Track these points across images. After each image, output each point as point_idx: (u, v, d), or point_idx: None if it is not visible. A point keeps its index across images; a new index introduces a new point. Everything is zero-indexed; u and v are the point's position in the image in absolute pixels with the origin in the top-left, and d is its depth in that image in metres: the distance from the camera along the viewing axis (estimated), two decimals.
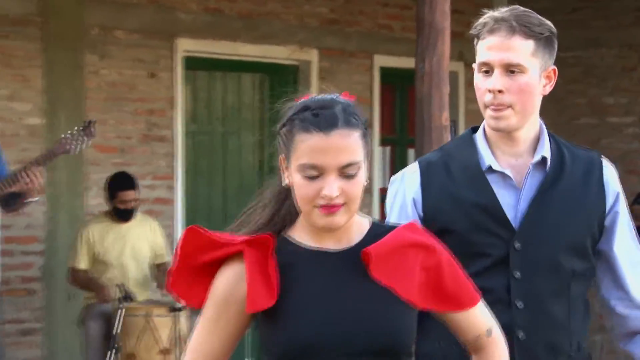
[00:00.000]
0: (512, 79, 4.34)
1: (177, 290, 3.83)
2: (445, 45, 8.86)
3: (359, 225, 3.74)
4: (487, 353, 4.01)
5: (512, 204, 4.49)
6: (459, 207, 4.42)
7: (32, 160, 9.82)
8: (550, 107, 15.15)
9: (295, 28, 13.95)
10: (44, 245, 12.21)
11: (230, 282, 3.67)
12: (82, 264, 11.45)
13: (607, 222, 4.53)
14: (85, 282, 11.51)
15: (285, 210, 3.82)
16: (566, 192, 4.52)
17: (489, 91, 4.36)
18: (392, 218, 4.57)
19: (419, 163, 4.62)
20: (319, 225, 3.62)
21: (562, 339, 4.40)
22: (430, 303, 3.75)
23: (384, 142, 14.87)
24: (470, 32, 4.53)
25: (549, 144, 4.50)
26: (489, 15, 4.46)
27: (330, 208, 3.59)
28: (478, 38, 4.48)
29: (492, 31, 4.40)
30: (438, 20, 8.82)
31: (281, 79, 14.00)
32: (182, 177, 13.21)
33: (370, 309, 3.67)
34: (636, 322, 4.62)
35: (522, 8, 4.51)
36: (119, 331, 10.81)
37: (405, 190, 4.57)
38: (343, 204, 3.59)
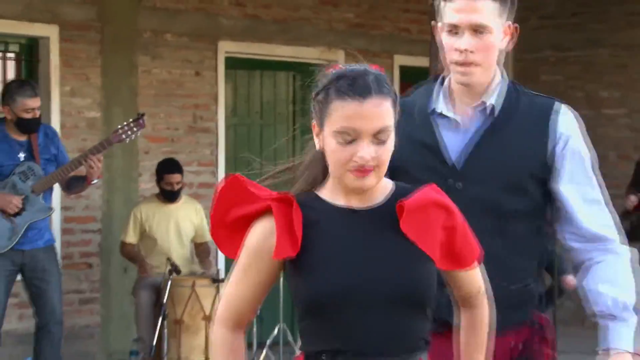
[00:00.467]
0: (479, 39, 4.25)
1: (216, 239, 3.81)
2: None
3: (384, 187, 3.71)
4: (476, 311, 4.00)
5: (458, 147, 4.43)
6: (411, 147, 4.30)
7: (91, 148, 9.87)
8: None
9: (324, 31, 13.92)
10: (101, 224, 12.25)
11: (261, 235, 3.64)
12: (131, 238, 11.49)
13: (554, 163, 4.43)
14: (131, 254, 11.55)
15: (318, 171, 3.79)
16: (511, 137, 4.44)
17: (458, 50, 4.28)
18: None
19: None
20: (351, 186, 3.60)
21: (498, 275, 4.16)
22: (444, 262, 3.74)
23: None
24: None
25: (503, 92, 4.42)
26: None
27: (363, 171, 3.55)
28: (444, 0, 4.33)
29: None
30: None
31: (311, 77, 13.99)
32: (224, 164, 13.23)
33: (394, 261, 3.65)
34: (586, 254, 4.49)
35: None
36: (167, 300, 10.85)
37: None
38: (374, 167, 3.56)
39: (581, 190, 4.43)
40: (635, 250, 4.12)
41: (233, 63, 13.43)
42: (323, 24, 14.01)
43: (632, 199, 12.51)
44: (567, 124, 4.45)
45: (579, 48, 15.10)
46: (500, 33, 4.32)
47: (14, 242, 9.45)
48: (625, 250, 4.28)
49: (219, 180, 12.88)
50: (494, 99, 4.35)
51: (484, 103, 4.34)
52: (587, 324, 4.83)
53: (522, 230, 4.43)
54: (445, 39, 4.33)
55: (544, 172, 4.41)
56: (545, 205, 4.52)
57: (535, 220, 4.49)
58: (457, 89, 4.42)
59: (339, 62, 13.70)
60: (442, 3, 4.32)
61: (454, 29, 4.27)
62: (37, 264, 9.61)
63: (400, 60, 14.63)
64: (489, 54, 4.30)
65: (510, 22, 4.36)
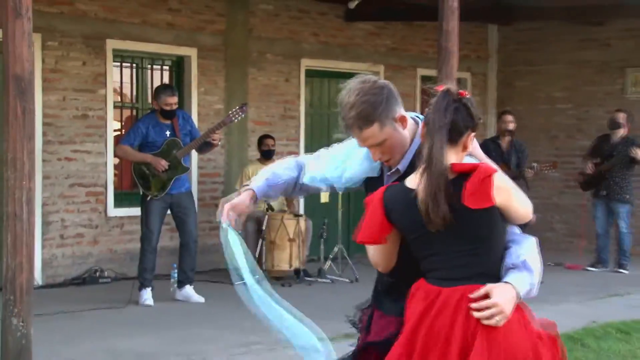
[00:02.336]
0: (383, 147, 3.69)
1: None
2: (454, 61, 8.82)
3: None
4: None
5: None
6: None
7: (211, 127, 9.92)
8: (524, 99, 15.16)
9: (370, 53, 13.87)
10: (223, 178, 12.30)
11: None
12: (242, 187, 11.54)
13: None
14: None
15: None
16: None
17: (379, 160, 3.77)
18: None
19: None
20: None
21: None
22: None
23: None
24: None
25: (409, 157, 3.77)
26: (342, 124, 3.82)
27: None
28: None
29: (348, 128, 3.80)
30: (450, 46, 8.83)
31: None
32: (304, 139, 13.18)
33: None
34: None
35: (353, 110, 3.78)
36: (265, 228, 10.94)
37: None
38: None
39: None
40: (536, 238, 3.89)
41: (311, 73, 13.36)
42: (370, 47, 13.95)
43: (590, 165, 12.38)
44: None
45: (542, 64, 14.99)
46: (394, 131, 3.72)
47: (166, 190, 9.55)
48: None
49: (300, 148, 12.97)
50: (402, 165, 3.75)
51: (398, 170, 3.78)
52: None
53: None
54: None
55: None
56: None
57: None
58: None
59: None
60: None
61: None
62: (181, 203, 9.67)
63: (421, 72, 14.44)
64: (393, 149, 3.74)
65: (394, 116, 3.73)
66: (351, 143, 3.98)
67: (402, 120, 3.75)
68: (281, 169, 4.16)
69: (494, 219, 3.45)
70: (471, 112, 3.51)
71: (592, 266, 12.51)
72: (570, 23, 14.45)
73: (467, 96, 3.53)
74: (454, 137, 3.48)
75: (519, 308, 3.46)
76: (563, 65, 14.95)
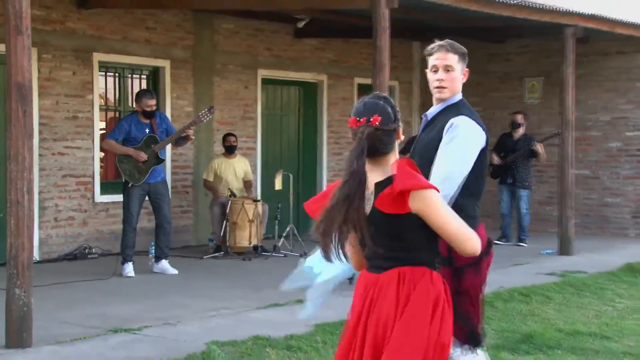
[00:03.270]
0: (448, 75, 4.20)
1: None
2: (386, 72, 8.81)
3: None
4: None
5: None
6: None
7: (184, 125, 9.85)
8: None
9: (315, 64, 13.83)
10: (193, 169, 12.18)
11: None
12: (209, 177, 11.42)
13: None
14: (209, 186, 11.44)
15: None
16: (428, 134, 4.22)
17: (437, 80, 4.21)
18: None
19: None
20: None
21: None
22: None
23: None
24: (424, 52, 4.36)
25: (439, 109, 4.22)
26: (435, 44, 4.28)
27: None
28: (430, 55, 4.27)
29: (437, 50, 4.23)
30: (383, 60, 8.78)
31: (308, 92, 14.10)
32: (260, 136, 13.07)
33: None
34: None
35: (449, 41, 4.29)
36: (229, 211, 10.85)
37: None
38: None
39: (441, 155, 4.09)
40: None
41: (266, 82, 13.25)
42: (315, 60, 13.91)
43: (496, 158, 12.52)
44: (451, 128, 4.10)
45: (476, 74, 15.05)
46: (460, 73, 4.23)
47: (144, 179, 9.47)
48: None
49: (257, 145, 12.92)
50: (430, 113, 4.27)
51: (426, 116, 4.26)
52: None
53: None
54: (429, 75, 4.27)
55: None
56: None
57: None
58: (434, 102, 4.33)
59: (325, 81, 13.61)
60: (428, 57, 4.28)
61: (434, 68, 4.24)
62: (157, 190, 9.57)
63: (357, 80, 14.42)
64: (453, 82, 4.21)
65: (465, 67, 4.26)
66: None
67: (465, 74, 4.26)
68: None
69: (410, 223, 3.20)
70: (388, 131, 3.24)
71: (498, 240, 12.64)
72: (478, 41, 14.54)
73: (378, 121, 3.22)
74: (376, 157, 3.24)
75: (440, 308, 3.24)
76: (474, 75, 14.83)
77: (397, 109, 3.31)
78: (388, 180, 3.20)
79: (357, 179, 3.14)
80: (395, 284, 3.23)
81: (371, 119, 3.19)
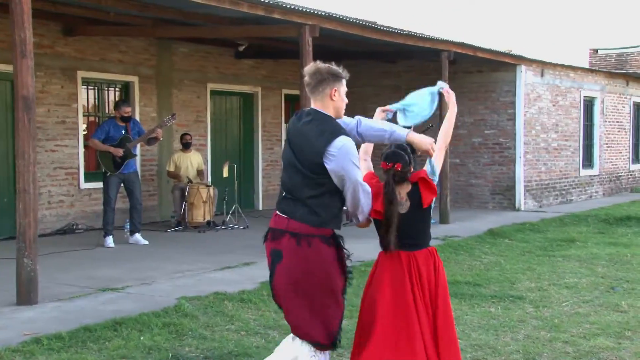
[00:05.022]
0: None
1: None
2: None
3: None
4: None
5: None
6: None
7: (155, 126, 9.67)
8: (347, 112, 15.29)
9: (252, 79, 13.72)
10: (157, 162, 11.95)
11: None
12: (171, 168, 11.18)
13: None
14: (172, 175, 11.19)
15: None
16: None
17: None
18: None
19: None
20: None
21: None
22: None
23: (286, 122, 14.29)
24: (344, 74, 3.46)
25: None
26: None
27: None
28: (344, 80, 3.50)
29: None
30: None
31: (246, 101, 13.98)
32: (210, 136, 12.86)
33: None
34: None
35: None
36: (187, 194, 10.69)
37: None
38: None
39: None
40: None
41: (214, 93, 13.06)
42: (252, 75, 13.77)
43: None
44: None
45: (358, 87, 15.16)
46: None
47: (120, 170, 9.27)
48: None
49: (208, 142, 12.77)
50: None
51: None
52: None
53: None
54: (344, 100, 3.52)
55: None
56: None
57: None
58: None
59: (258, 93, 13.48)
60: (343, 80, 3.51)
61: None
62: (130, 179, 9.34)
63: (285, 91, 14.37)
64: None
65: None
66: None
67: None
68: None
69: (428, 214, 3.55)
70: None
71: None
72: (375, 61, 14.69)
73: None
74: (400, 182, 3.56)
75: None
76: (371, 88, 15.17)
77: (412, 155, 3.55)
78: (416, 188, 3.50)
79: (391, 197, 3.45)
80: (431, 258, 3.52)
81: (395, 165, 3.50)
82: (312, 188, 3.31)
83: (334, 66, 3.45)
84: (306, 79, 3.44)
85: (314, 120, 3.39)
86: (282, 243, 3.34)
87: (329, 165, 3.27)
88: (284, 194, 3.42)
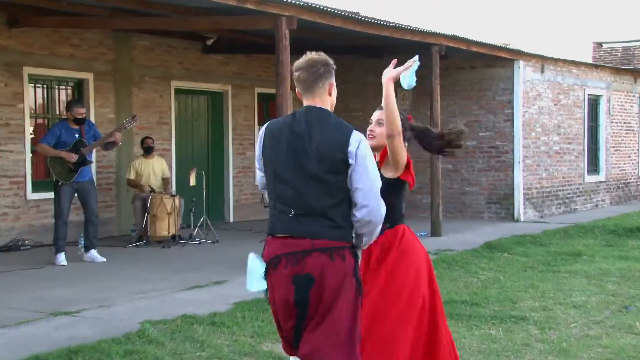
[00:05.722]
0: None
1: None
2: (287, 84, 8.71)
3: None
4: None
5: None
6: None
7: (113, 129, 9.65)
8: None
9: (221, 76, 13.72)
10: (115, 168, 11.92)
11: None
12: (132, 176, 11.17)
13: None
14: (132, 183, 11.20)
15: None
16: None
17: None
18: None
19: None
20: None
21: None
22: None
23: (259, 124, 14.07)
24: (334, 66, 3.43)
25: None
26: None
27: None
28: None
29: None
30: (284, 73, 8.72)
31: (215, 100, 13.94)
32: (174, 139, 12.83)
33: None
34: None
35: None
36: (149, 204, 10.67)
37: None
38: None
39: None
40: None
41: (179, 91, 13.06)
42: (221, 72, 13.77)
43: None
44: None
45: (341, 84, 15.14)
46: None
47: (73, 178, 9.18)
48: None
49: (172, 147, 12.73)
50: None
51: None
52: None
53: None
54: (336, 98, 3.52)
55: None
56: None
57: None
58: None
59: (226, 94, 13.43)
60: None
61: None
62: (85, 188, 9.30)
63: (258, 90, 14.37)
64: None
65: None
66: None
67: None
68: None
69: None
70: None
71: None
72: (359, 57, 14.71)
73: None
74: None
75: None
76: (355, 86, 15.20)
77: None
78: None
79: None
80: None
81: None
82: (331, 196, 3.24)
83: (324, 56, 3.42)
84: (300, 74, 3.37)
85: (323, 116, 3.35)
86: (310, 264, 3.20)
87: (352, 159, 3.24)
88: (292, 212, 3.25)
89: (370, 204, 3.22)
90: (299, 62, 3.40)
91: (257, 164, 3.48)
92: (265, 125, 3.47)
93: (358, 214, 3.25)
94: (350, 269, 3.23)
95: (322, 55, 3.41)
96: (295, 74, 3.40)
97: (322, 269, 3.19)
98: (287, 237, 3.26)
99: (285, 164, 3.28)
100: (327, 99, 3.41)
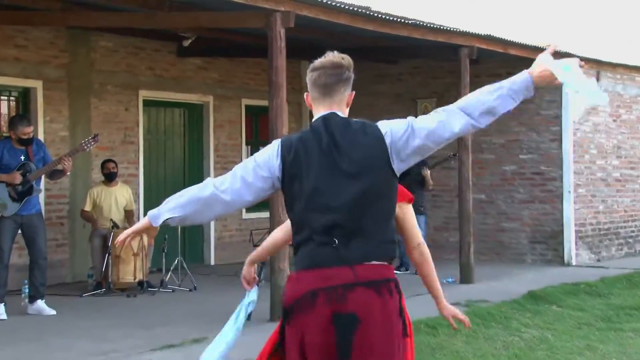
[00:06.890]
0: None
1: None
2: (283, 93, 8.81)
3: None
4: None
5: None
6: None
7: (66, 153, 9.68)
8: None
9: (201, 84, 13.79)
10: (69, 198, 11.94)
11: None
12: (88, 207, 11.17)
13: None
14: (88, 217, 11.23)
15: None
16: None
17: None
18: None
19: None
20: None
21: None
22: None
23: (247, 143, 14.52)
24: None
25: None
26: None
27: None
28: None
29: None
30: (280, 80, 8.81)
31: (193, 114, 13.95)
32: (142, 162, 12.90)
33: None
34: None
35: None
36: (110, 243, 10.58)
37: None
38: None
39: None
40: None
41: (148, 103, 13.15)
42: (200, 80, 13.85)
43: (426, 171, 12.54)
44: None
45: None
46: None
47: (16, 210, 9.16)
48: None
49: (140, 172, 12.74)
50: None
51: None
52: None
53: None
54: None
55: None
56: None
57: None
58: None
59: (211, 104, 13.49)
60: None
61: None
62: (31, 223, 9.29)
63: (245, 102, 14.45)
64: None
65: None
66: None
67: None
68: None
69: None
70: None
71: (397, 269, 12.75)
72: (368, 61, 14.73)
73: None
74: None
75: None
76: (364, 96, 15.21)
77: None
78: None
79: None
80: None
81: None
82: (385, 210, 3.41)
83: (350, 60, 3.52)
84: (320, 73, 3.45)
85: (345, 123, 3.45)
86: (353, 301, 3.25)
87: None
88: (325, 240, 3.31)
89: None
90: (321, 61, 3.46)
91: (253, 172, 3.44)
92: (280, 141, 3.47)
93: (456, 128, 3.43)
94: (397, 308, 3.33)
95: (349, 59, 3.50)
96: (314, 74, 3.46)
97: (369, 308, 3.25)
98: (320, 270, 3.30)
99: (323, 191, 3.33)
100: (345, 109, 3.52)
